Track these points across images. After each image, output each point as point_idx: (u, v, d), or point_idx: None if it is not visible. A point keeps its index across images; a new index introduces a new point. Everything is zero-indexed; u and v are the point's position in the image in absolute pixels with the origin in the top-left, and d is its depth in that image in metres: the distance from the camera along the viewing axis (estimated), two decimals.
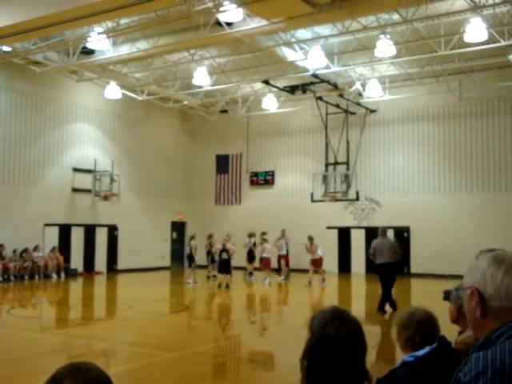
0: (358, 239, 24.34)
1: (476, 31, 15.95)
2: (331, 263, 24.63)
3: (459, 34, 16.46)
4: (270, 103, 24.48)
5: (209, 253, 21.50)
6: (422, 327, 2.85)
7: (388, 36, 17.10)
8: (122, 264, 24.14)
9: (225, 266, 18.06)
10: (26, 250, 20.56)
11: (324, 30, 17.30)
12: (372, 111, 24.26)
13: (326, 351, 2.00)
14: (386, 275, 13.09)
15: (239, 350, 10.08)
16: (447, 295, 3.27)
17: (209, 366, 8.66)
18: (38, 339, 10.21)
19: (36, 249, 20.87)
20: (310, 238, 20.19)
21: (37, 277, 20.62)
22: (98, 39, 17.36)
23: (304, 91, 22.38)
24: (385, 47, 17.44)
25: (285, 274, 21.33)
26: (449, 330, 3.00)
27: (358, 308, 15.45)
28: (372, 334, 11.33)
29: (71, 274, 21.86)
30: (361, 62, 20.15)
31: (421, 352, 2.77)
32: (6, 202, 20.20)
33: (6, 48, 18.14)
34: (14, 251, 20.20)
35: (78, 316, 13.64)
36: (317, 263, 20.04)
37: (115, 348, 9.50)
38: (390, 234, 23.74)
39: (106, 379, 1.42)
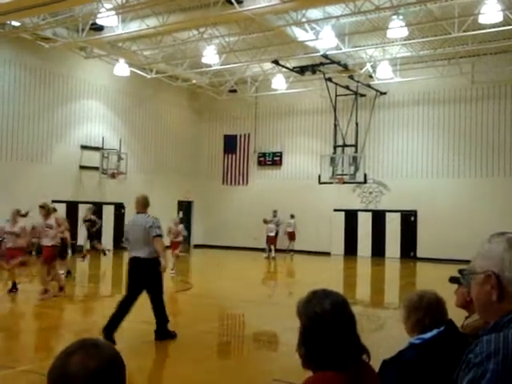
0: (364, 222, 24.32)
1: (491, 13, 15.69)
2: (337, 246, 24.68)
3: (474, 15, 16.19)
4: (279, 83, 24.31)
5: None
6: (431, 310, 2.83)
7: (401, 17, 16.87)
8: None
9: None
10: (34, 227, 20.65)
11: (335, 9, 17.07)
12: (382, 93, 24.03)
13: (318, 329, 2.02)
14: (134, 279, 7.81)
15: (243, 330, 10.13)
16: (456, 279, 3.22)
17: (214, 344, 8.71)
18: (44, 314, 10.29)
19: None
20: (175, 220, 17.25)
21: None
22: (107, 15, 17.22)
23: (314, 72, 22.19)
24: (397, 28, 17.20)
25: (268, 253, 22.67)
26: (453, 314, 2.97)
27: (363, 291, 15.50)
28: (375, 317, 11.35)
29: (78, 250, 21.96)
30: (372, 43, 19.92)
31: (428, 334, 2.75)
32: (14, 178, 20.26)
33: (15, 23, 18.05)
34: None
35: (84, 292, 13.73)
36: (176, 245, 16.44)
37: (120, 325, 9.54)
38: (397, 217, 23.96)
39: (116, 355, 1.43)
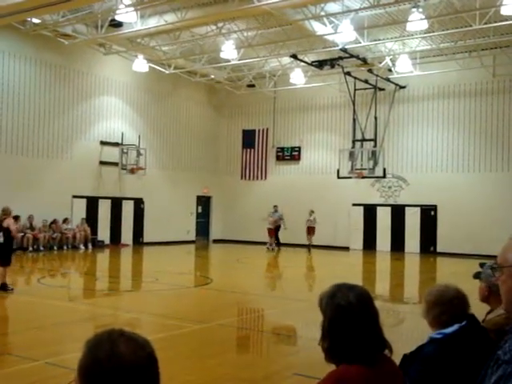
0: (383, 217, 24.16)
1: None
2: (356, 241, 24.57)
3: (495, 7, 15.93)
4: (298, 78, 24.20)
5: None
6: (451, 306, 2.80)
7: (420, 9, 16.65)
8: (147, 237, 24.43)
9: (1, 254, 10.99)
10: (55, 222, 20.99)
11: (354, 3, 16.93)
12: (401, 87, 23.81)
13: (343, 321, 2.02)
14: None
15: (263, 324, 10.16)
16: (478, 274, 3.20)
17: (234, 338, 8.75)
18: (66, 308, 10.43)
19: (65, 221, 21.28)
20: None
21: (65, 247, 21.06)
22: (125, 12, 17.31)
23: (332, 66, 22.05)
24: (416, 21, 16.99)
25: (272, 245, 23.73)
26: (475, 309, 2.94)
27: (383, 286, 15.42)
28: (395, 312, 11.29)
29: (98, 245, 22.23)
30: (391, 36, 19.74)
31: (449, 329, 2.73)
32: (35, 173, 20.51)
33: (35, 20, 18.22)
34: (44, 222, 20.60)
35: (105, 287, 13.88)
36: None
37: (141, 319, 9.65)
38: (417, 212, 23.72)
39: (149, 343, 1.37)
